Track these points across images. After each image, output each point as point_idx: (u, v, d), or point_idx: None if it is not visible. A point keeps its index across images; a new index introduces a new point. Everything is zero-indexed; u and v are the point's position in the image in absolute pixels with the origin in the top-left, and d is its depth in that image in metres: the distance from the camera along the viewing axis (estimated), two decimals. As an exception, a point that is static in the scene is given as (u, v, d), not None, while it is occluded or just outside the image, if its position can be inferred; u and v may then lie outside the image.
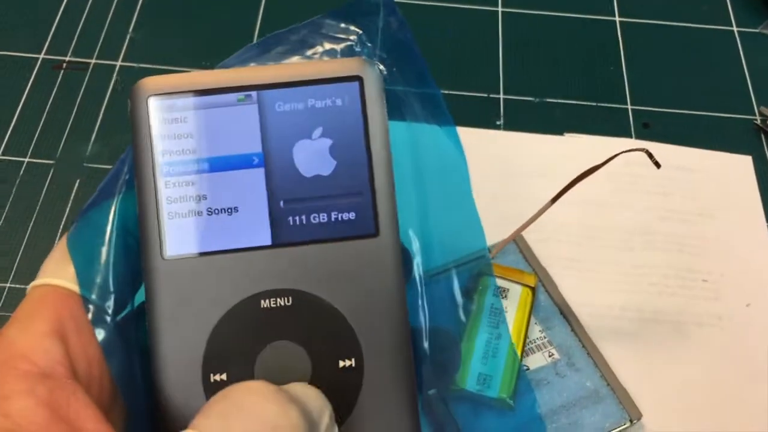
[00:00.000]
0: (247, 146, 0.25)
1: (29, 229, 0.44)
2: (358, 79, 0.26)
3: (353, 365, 0.24)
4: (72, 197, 0.45)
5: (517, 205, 0.41)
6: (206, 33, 0.53)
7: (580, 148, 0.48)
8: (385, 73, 0.29)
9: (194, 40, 0.53)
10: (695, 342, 0.42)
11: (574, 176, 0.35)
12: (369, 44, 0.29)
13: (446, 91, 0.51)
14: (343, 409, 0.24)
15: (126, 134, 0.48)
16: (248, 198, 0.25)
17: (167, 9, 0.54)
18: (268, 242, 0.25)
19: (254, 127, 0.25)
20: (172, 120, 0.25)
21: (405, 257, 0.27)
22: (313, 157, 0.25)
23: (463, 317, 0.30)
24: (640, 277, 0.44)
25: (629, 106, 0.51)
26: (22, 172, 0.46)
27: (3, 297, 0.42)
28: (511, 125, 0.50)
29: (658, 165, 0.33)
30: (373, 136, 0.26)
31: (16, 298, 0.42)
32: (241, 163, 0.25)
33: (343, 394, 0.24)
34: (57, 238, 0.44)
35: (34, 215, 0.45)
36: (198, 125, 0.25)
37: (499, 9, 0.56)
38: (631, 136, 0.50)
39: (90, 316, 0.24)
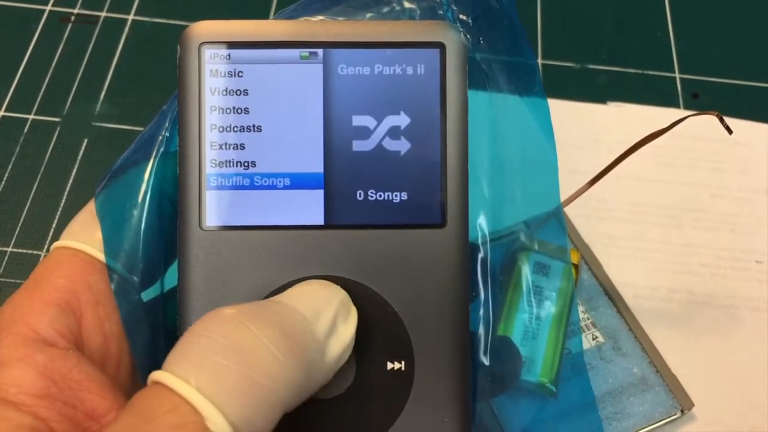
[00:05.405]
0: (307, 111, 0.23)
1: (33, 190, 0.41)
2: (440, 46, 0.23)
3: (402, 369, 0.22)
4: (79, 158, 0.42)
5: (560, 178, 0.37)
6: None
7: (625, 118, 0.45)
8: (469, 42, 0.25)
9: (213, -6, 0.49)
10: (749, 327, 0.39)
11: (620, 147, 0.32)
12: (454, 7, 0.25)
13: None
14: (387, 417, 0.22)
15: (138, 94, 0.46)
16: (303, 170, 0.23)
17: (183, -39, 0.51)
18: (320, 222, 0.23)
19: (316, 89, 0.23)
20: (225, 73, 0.23)
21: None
22: (378, 130, 0.23)
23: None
24: (689, 256, 0.41)
25: (677, 75, 0.48)
26: (26, 129, 0.43)
27: (4, 263, 0.39)
28: (550, 92, 0.46)
29: (729, 131, 0.30)
30: (450, 114, 0.23)
31: (17, 265, 0.39)
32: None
33: (388, 399, 0.22)
34: (62, 200, 0.41)
35: (38, 176, 0.42)
36: (254, 81, 0.23)
37: (537, -31, 0.52)
38: (679, 107, 0.46)
39: (113, 287, 0.22)
